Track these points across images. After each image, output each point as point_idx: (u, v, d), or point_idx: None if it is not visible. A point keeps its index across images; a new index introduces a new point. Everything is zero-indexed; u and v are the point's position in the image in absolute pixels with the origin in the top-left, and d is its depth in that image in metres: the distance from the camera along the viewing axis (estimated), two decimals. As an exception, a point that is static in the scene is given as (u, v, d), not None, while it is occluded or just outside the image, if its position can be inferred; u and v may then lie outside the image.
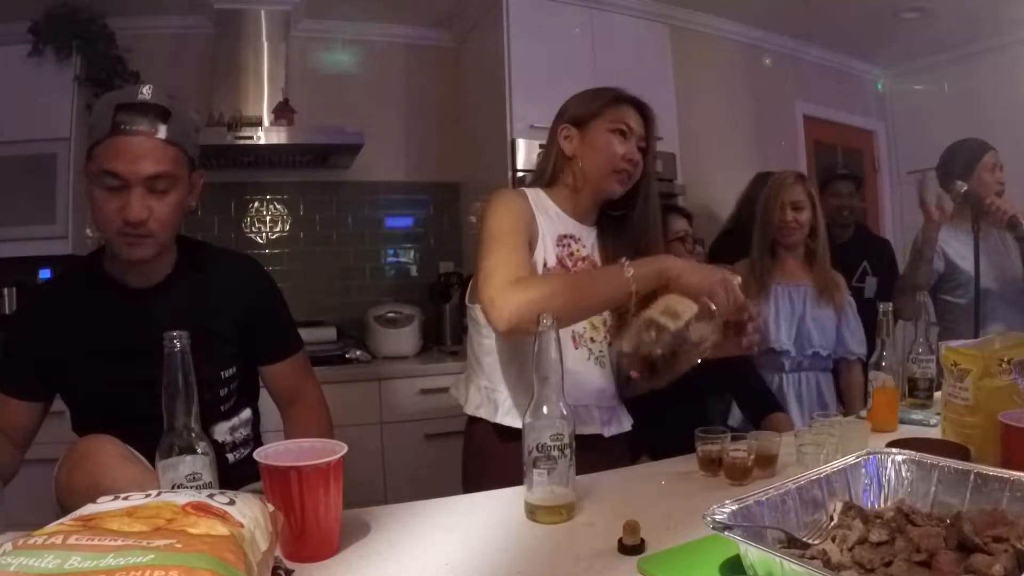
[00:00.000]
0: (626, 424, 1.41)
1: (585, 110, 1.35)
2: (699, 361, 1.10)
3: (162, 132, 1.08)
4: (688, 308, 1.08)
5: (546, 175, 1.39)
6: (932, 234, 2.20)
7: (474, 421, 1.38)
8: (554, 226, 1.34)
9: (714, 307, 1.09)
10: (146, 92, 1.10)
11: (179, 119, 1.11)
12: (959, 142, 2.42)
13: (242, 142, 2.66)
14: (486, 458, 1.36)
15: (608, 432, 1.36)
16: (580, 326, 1.34)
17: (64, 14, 2.60)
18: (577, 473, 0.99)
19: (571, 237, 1.36)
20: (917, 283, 2.19)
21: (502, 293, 1.12)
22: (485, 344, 1.35)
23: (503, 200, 1.30)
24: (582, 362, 1.34)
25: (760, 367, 1.96)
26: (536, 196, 1.36)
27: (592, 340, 1.36)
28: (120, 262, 1.17)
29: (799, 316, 1.99)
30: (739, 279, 1.15)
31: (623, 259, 1.18)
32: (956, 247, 2.29)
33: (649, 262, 1.18)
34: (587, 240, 1.39)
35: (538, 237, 1.30)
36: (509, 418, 1.30)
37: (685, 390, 1.47)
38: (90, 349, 1.17)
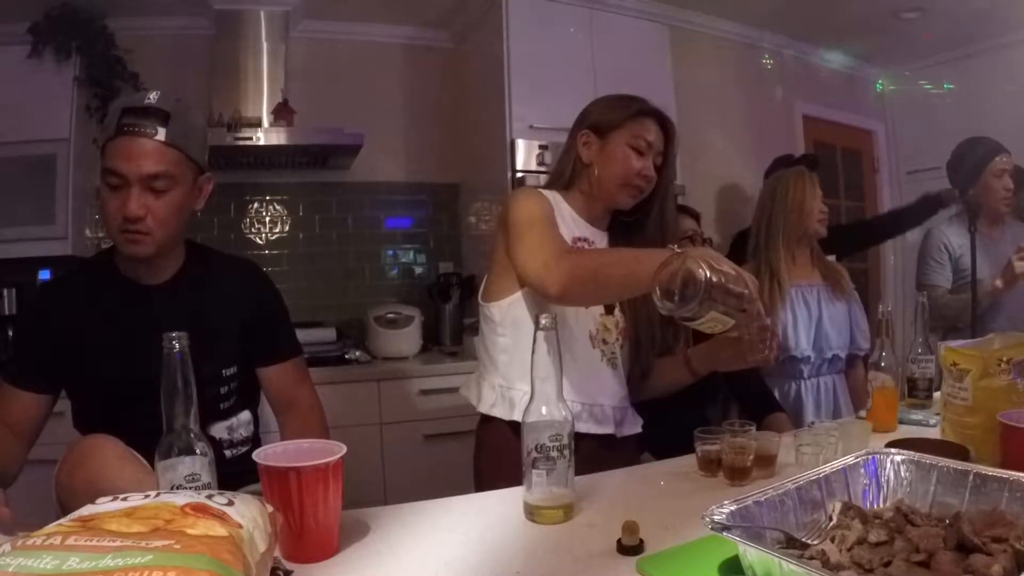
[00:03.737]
0: (637, 426, 1.42)
1: (607, 119, 1.36)
2: (723, 328, 1.07)
3: (161, 134, 1.13)
4: (728, 266, 1.05)
5: (563, 179, 1.41)
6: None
7: (487, 420, 1.38)
8: (569, 229, 1.36)
9: (742, 290, 1.05)
10: (152, 98, 1.16)
11: (181, 122, 1.15)
12: (971, 140, 2.36)
13: (241, 143, 2.66)
14: (502, 457, 1.34)
15: (621, 433, 1.37)
16: (594, 326, 1.35)
17: (64, 15, 2.59)
18: (591, 472, 0.98)
19: (585, 240, 1.37)
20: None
21: (557, 259, 1.15)
22: (500, 342, 1.35)
23: (528, 195, 1.34)
24: (596, 362, 1.35)
25: (779, 375, 1.87)
26: (553, 198, 1.37)
27: (604, 342, 1.37)
28: (125, 258, 1.21)
29: (816, 319, 1.88)
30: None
31: (670, 244, 1.18)
32: (956, 241, 2.27)
33: (692, 249, 1.19)
34: (600, 244, 1.40)
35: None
36: None
37: (685, 390, 1.49)
38: (99, 340, 1.20)
